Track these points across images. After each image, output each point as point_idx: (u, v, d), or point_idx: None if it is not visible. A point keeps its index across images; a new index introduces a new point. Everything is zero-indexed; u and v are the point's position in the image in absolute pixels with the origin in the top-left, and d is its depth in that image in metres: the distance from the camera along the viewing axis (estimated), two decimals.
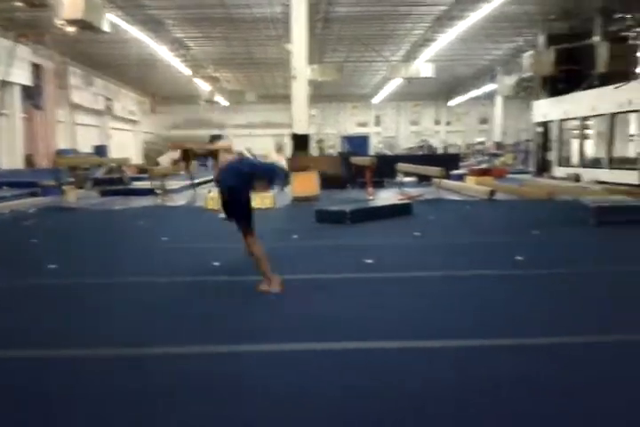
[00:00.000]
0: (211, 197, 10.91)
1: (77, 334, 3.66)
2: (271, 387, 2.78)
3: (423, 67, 23.54)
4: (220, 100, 35.18)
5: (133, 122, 36.57)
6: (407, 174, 15.84)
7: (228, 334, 3.63)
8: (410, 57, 26.38)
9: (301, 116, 12.96)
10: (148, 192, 13.25)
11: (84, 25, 12.33)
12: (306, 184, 11.86)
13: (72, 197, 11.80)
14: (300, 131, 12.78)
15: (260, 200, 10.77)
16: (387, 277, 5.17)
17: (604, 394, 2.67)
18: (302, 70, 13.30)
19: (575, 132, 18.98)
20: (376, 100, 39.95)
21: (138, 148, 37.31)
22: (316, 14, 18.91)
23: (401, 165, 15.53)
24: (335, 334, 3.57)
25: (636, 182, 13.89)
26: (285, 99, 19.14)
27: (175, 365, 3.13)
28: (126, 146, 34.66)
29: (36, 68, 21.46)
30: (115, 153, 29.37)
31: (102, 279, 5.19)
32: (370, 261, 5.77)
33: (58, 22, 12.25)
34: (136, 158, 32.50)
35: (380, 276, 5.20)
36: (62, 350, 3.36)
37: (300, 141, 12.63)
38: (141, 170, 20.91)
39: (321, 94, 37.72)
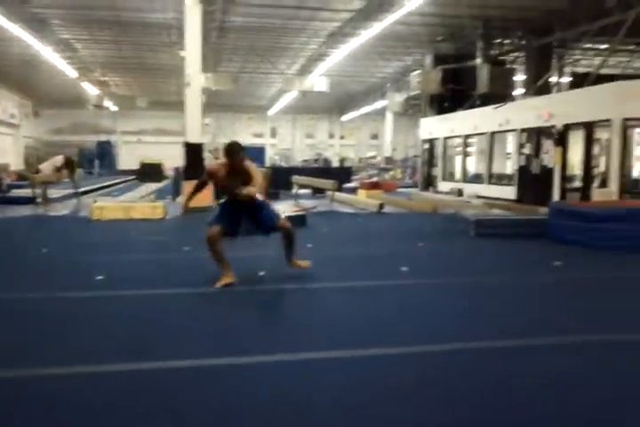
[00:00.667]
0: (96, 206, 10.45)
1: None
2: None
3: (318, 81, 23.99)
4: (110, 105, 33.90)
5: (13, 126, 34.30)
6: (302, 186, 16.03)
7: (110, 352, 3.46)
8: (305, 71, 26.83)
9: (195, 125, 12.74)
10: (29, 201, 12.47)
11: None
12: (198, 194, 11.61)
13: None
14: (193, 140, 12.55)
15: (151, 210, 10.46)
16: (277, 289, 5.17)
17: (462, 399, 2.81)
18: (196, 78, 13.10)
19: (458, 149, 20.06)
20: (272, 111, 40.17)
21: (18, 153, 35.00)
22: (212, 22, 18.76)
23: (296, 178, 15.69)
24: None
25: (513, 197, 14.91)
26: (179, 106, 18.75)
27: None
28: (5, 151, 32.43)
29: None
30: None
31: None
32: (262, 273, 5.75)
33: None
34: (16, 164, 30.50)
35: (270, 288, 5.19)
36: None
37: (193, 150, 12.39)
38: (22, 177, 19.64)
39: (216, 103, 37.33)
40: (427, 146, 21.44)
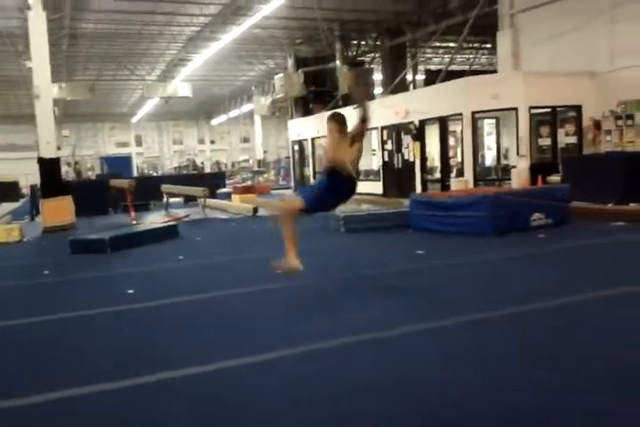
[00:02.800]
0: None
1: None
2: None
3: (180, 86, 23.53)
4: None
5: None
6: (173, 195, 15.60)
7: None
8: (166, 76, 26.21)
9: (49, 138, 11.95)
10: None
11: None
12: (58, 211, 10.95)
13: None
14: (47, 154, 11.76)
15: (6, 233, 9.70)
16: (148, 306, 4.98)
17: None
18: (46, 89, 12.29)
19: None
20: (135, 119, 38.82)
21: None
22: (61, 30, 17.76)
23: (165, 186, 15.24)
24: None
25: (380, 192, 15.51)
26: (32, 119, 17.54)
27: None
28: None
29: None
30: None
31: None
32: (131, 291, 5.52)
33: None
34: None
35: (142, 306, 4.99)
36: None
37: (49, 166, 11.62)
38: None
39: (75, 113, 35.47)
40: (296, 147, 21.72)
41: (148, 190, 15.77)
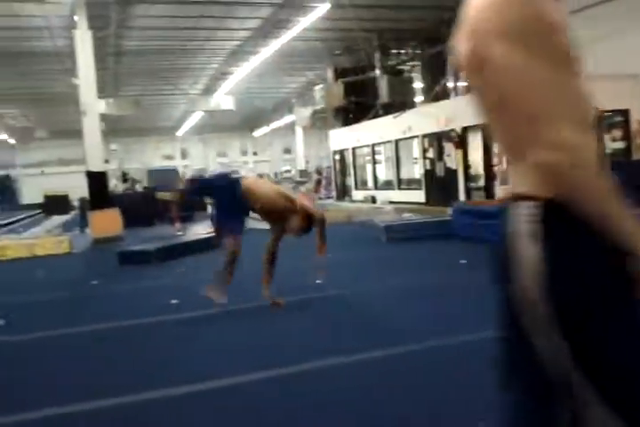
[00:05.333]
0: None
1: None
2: None
3: (223, 100, 23.93)
4: (6, 138, 32.34)
5: None
6: None
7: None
8: (209, 90, 26.68)
9: (96, 153, 12.33)
10: None
11: None
12: (106, 223, 11.25)
13: None
14: (95, 168, 12.14)
15: (56, 245, 10.01)
16: (193, 316, 5.04)
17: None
18: (93, 105, 12.72)
19: (367, 158, 20.53)
20: (180, 132, 39.63)
21: None
22: (107, 48, 18.32)
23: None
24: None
25: (422, 201, 15.39)
26: (81, 134, 18.12)
27: None
28: None
29: None
30: None
31: None
32: (175, 301, 5.61)
33: None
34: None
35: (187, 316, 5.06)
36: None
37: (96, 179, 11.97)
38: None
39: (122, 128, 36.43)
40: (338, 157, 21.78)
41: (193, 202, 16.01)
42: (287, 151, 43.53)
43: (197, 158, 43.87)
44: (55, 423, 2.96)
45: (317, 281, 5.54)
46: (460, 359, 3.37)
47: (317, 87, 21.37)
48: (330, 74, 21.78)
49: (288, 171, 39.79)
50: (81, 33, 12.79)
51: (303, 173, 33.20)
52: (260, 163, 44.41)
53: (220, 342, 4.23)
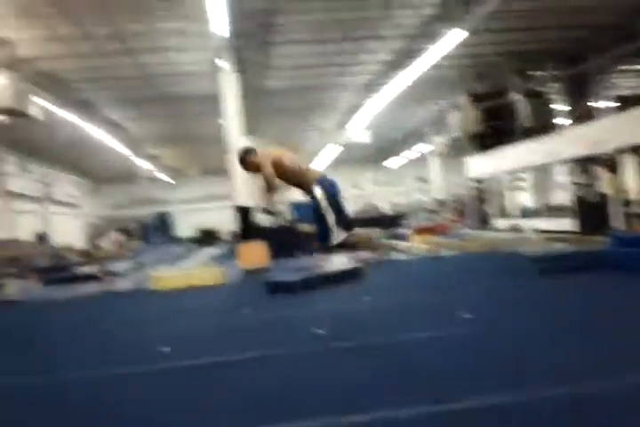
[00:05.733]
0: (156, 277, 10.68)
1: None
2: None
3: (357, 132, 24.45)
4: (162, 176, 35.29)
5: (74, 205, 36.01)
6: None
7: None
8: (342, 123, 27.43)
9: (242, 189, 13.07)
10: (92, 277, 12.87)
11: (14, 113, 12.33)
12: (254, 255, 11.80)
13: (13, 289, 11.30)
14: (242, 203, 12.87)
15: (211, 276, 10.63)
16: (339, 347, 5.07)
17: None
18: (236, 143, 13.56)
19: (509, 184, 19.82)
20: (316, 166, 40.85)
21: (80, 231, 36.58)
22: (247, 89, 19.57)
23: None
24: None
25: (572, 229, 14.47)
26: (227, 171, 19.37)
27: None
28: (69, 230, 33.96)
29: None
30: (57, 238, 28.68)
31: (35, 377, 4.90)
32: (321, 331, 5.68)
33: None
34: (79, 242, 31.77)
35: (334, 346, 5.10)
36: None
37: (244, 213, 12.67)
38: (84, 254, 20.42)
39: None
40: (476, 184, 21.24)
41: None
42: (421, 180, 43.24)
43: None
44: None
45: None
46: None
47: (452, 114, 21.14)
48: (464, 100, 21.49)
49: (423, 200, 39.42)
50: (225, 75, 13.76)
51: (439, 202, 32.71)
52: (393, 193, 44.50)
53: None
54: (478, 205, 21.60)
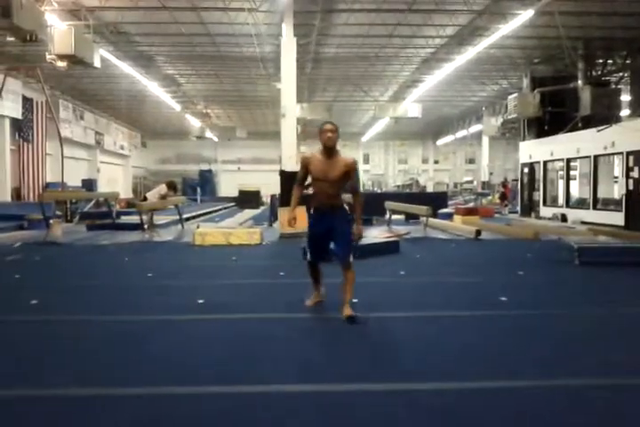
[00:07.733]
0: (198, 232, 10.90)
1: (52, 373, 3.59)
2: None
3: (411, 107, 24.04)
4: (211, 135, 35.53)
5: (123, 156, 36.74)
6: (395, 212, 15.94)
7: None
8: (398, 97, 26.97)
9: (290, 154, 13.09)
10: (136, 227, 13.20)
11: (75, 60, 12.54)
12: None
13: (58, 231, 11.69)
14: (288, 168, 12.89)
15: (249, 236, 10.79)
16: (377, 316, 5.11)
17: None
18: (291, 109, 13.52)
19: (560, 173, 19.29)
20: (365, 138, 40.54)
21: (127, 182, 37.39)
22: (306, 54, 19.36)
23: (389, 203, 15.64)
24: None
25: (621, 223, 14.06)
26: (275, 136, 19.38)
27: None
28: (116, 180, 34.74)
29: (27, 102, 21.64)
30: (104, 187, 29.42)
31: (79, 316, 5.11)
32: (355, 300, 5.72)
33: (49, 57, 12.43)
34: (125, 192, 32.50)
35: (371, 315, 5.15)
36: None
37: (288, 178, 12.69)
38: (130, 204, 20.89)
39: (311, 131, 38.22)
40: (526, 170, 20.76)
41: (372, 206, 16.29)
42: (471, 161, 42.50)
43: (378, 164, 44.55)
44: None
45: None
46: None
47: (511, 96, 20.55)
48: (525, 83, 20.84)
49: (469, 182, 38.82)
50: (286, 40, 13.66)
51: (486, 184, 32.17)
52: (440, 171, 43.93)
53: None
54: (526, 191, 21.13)
